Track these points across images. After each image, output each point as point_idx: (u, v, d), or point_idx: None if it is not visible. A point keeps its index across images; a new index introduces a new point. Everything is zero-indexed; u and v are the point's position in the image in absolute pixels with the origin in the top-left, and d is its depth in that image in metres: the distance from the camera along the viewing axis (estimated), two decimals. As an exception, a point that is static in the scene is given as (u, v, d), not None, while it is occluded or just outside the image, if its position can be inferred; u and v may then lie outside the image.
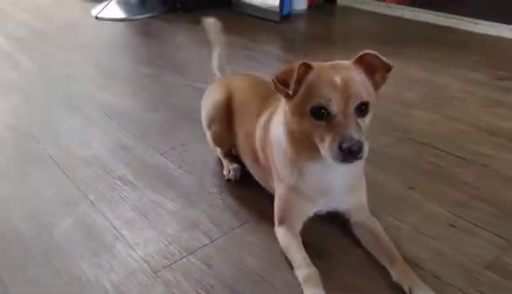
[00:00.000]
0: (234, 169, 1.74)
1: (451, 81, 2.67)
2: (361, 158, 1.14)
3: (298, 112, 1.22)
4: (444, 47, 3.28)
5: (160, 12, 4.09)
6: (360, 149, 1.11)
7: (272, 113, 1.47)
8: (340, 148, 1.11)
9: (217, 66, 2.05)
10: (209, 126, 1.79)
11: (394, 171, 1.81)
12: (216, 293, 1.27)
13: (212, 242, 1.46)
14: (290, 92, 1.18)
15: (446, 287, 1.27)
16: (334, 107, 1.14)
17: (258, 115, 1.56)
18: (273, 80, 1.21)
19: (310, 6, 4.23)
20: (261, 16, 3.87)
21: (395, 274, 1.26)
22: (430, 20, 3.79)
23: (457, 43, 3.38)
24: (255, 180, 1.68)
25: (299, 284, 1.25)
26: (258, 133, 1.53)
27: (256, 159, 1.57)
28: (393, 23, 3.93)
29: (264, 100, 1.58)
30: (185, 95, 2.52)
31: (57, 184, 1.77)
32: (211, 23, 2.08)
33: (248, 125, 1.61)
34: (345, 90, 1.14)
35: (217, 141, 1.80)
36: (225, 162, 1.80)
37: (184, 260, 1.39)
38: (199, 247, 1.43)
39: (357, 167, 1.34)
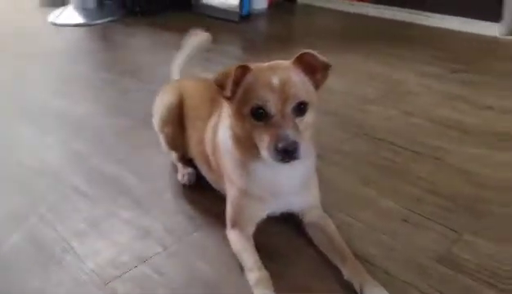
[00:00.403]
0: (188, 174, 1.72)
1: (408, 75, 2.71)
2: (297, 158, 1.13)
3: (239, 114, 1.21)
4: (404, 43, 3.33)
5: (119, 16, 4.03)
6: (295, 149, 1.11)
7: (220, 117, 1.46)
8: (276, 148, 1.10)
9: (178, 70, 2.02)
10: (162, 129, 1.76)
11: (349, 168, 1.82)
12: (168, 302, 1.25)
13: (165, 249, 1.43)
14: (228, 95, 1.18)
15: (398, 282, 1.27)
16: (272, 108, 1.14)
17: (208, 119, 1.55)
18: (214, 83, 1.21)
19: (270, 5, 4.24)
20: (221, 17, 3.85)
21: (346, 272, 1.26)
22: (393, 16, 3.85)
23: (416, 38, 3.44)
24: (210, 184, 1.66)
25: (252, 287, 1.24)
26: (208, 137, 1.51)
27: (208, 163, 1.56)
28: (356, 20, 3.97)
29: (213, 103, 1.57)
30: (142, 100, 2.47)
31: (7, 197, 1.71)
32: (200, 35, 2.02)
33: (199, 129, 1.59)
34: (282, 91, 1.14)
35: (171, 144, 1.77)
36: (179, 166, 1.77)
37: (135, 269, 1.36)
38: (151, 256, 1.40)
39: (306, 166, 1.34)
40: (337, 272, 1.29)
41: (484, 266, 1.32)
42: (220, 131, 1.40)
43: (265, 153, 1.15)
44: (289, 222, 1.49)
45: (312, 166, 1.39)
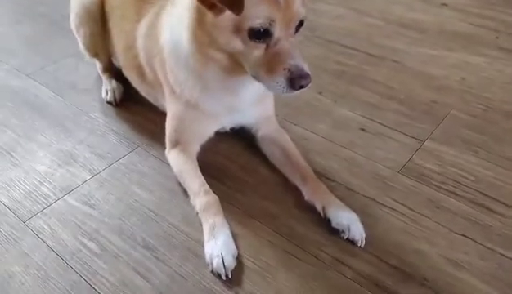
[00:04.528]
0: (113, 89, 1.47)
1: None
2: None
3: (227, 27, 0.95)
4: None
5: None
6: (308, 84, 0.95)
7: (158, 15, 1.18)
8: (292, 83, 0.94)
9: None
10: (78, 29, 1.47)
11: (302, 75, 1.63)
12: (100, 238, 1.06)
13: (93, 176, 1.22)
14: (224, 8, 0.92)
15: (361, 198, 1.16)
16: (277, 30, 0.94)
17: (138, 21, 1.27)
18: None
19: None
20: None
21: (307, 193, 1.12)
22: None
23: None
24: (143, 98, 1.42)
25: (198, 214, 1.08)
26: (141, 43, 1.25)
27: (141, 74, 1.31)
28: None
29: (144, 0, 1.28)
30: (55, 0, 2.10)
31: None
32: None
33: (127, 32, 1.31)
34: (287, 8, 0.93)
35: (90, 50, 1.49)
36: (104, 79, 1.51)
37: (59, 202, 1.15)
38: (79, 185, 1.19)
39: None
40: (294, 192, 1.15)
41: (447, 175, 1.24)
42: (167, 34, 1.13)
43: (269, 86, 0.98)
44: (240, 137, 1.31)
45: None
